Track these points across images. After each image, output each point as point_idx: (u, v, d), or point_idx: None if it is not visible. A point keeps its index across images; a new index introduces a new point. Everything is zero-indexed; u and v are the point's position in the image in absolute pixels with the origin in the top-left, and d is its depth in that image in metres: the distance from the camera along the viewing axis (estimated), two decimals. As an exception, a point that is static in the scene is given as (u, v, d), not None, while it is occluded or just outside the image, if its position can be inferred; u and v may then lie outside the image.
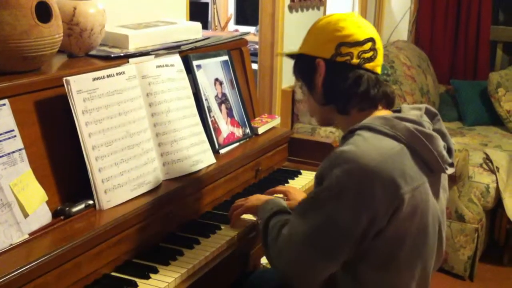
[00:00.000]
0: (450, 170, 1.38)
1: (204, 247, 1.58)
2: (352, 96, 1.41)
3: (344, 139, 1.38)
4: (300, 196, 1.81)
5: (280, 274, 1.45)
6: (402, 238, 1.31)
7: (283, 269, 1.39)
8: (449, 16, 4.49)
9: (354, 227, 1.27)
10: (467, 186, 3.04)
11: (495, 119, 4.06)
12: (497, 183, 3.12)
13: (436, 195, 1.39)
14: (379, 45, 1.43)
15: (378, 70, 1.44)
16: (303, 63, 1.49)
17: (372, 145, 1.29)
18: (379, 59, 1.43)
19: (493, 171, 3.17)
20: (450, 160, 1.39)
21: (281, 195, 1.82)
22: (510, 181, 3.21)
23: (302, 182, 2.08)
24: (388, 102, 1.45)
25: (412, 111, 1.43)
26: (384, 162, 1.26)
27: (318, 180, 1.35)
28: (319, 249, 1.31)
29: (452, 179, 2.89)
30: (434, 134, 1.36)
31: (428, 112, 1.45)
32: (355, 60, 1.40)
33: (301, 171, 2.17)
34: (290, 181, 2.08)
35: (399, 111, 1.45)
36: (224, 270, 1.59)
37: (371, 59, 1.41)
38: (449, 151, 1.41)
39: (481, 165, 3.22)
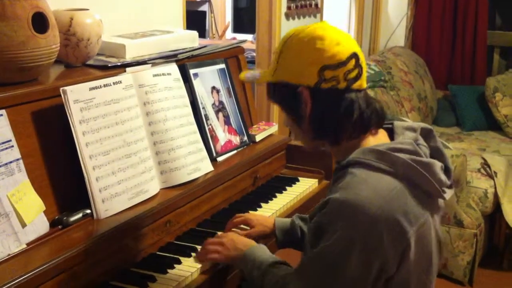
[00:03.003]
0: (449, 193, 1.33)
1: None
2: (346, 126, 1.30)
3: (336, 175, 1.31)
4: (263, 219, 1.72)
5: None
6: (410, 278, 1.27)
7: None
8: (446, 21, 4.51)
9: (365, 278, 1.22)
10: (465, 192, 3.04)
11: (492, 124, 4.07)
12: (495, 188, 3.13)
13: (434, 215, 1.34)
14: (362, 58, 1.30)
15: (364, 85, 1.32)
16: (283, 92, 1.34)
17: (371, 188, 1.22)
18: (364, 74, 1.31)
19: (491, 176, 3.17)
20: (448, 182, 1.33)
21: (243, 225, 1.72)
22: (508, 186, 3.21)
23: (300, 189, 2.08)
24: (379, 121, 1.35)
25: (406, 132, 1.35)
26: (387, 206, 1.21)
27: (317, 232, 1.27)
28: None
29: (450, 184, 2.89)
30: (431, 161, 1.29)
31: (423, 131, 1.38)
32: (342, 84, 1.27)
33: (299, 178, 2.17)
34: (287, 188, 2.08)
35: (391, 129, 1.38)
36: (222, 278, 1.59)
37: (356, 78, 1.28)
38: (447, 170, 1.35)
39: (479, 170, 3.23)
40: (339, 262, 1.22)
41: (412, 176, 1.26)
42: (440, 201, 1.36)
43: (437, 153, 1.37)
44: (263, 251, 1.47)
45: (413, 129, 1.37)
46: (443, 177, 1.31)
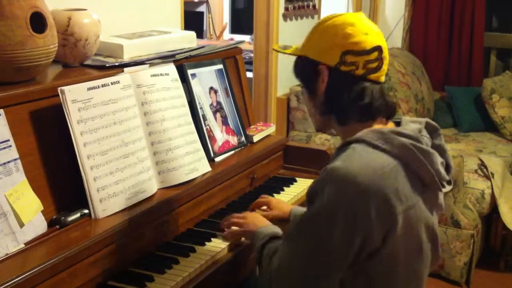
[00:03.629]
0: (447, 188, 1.35)
1: (200, 256, 1.59)
2: (354, 109, 1.35)
3: (338, 151, 1.34)
4: (282, 204, 1.83)
5: None
6: (396, 257, 1.29)
7: None
8: (443, 23, 4.52)
9: (347, 248, 1.24)
10: (462, 192, 3.05)
11: (489, 125, 4.08)
12: (492, 189, 3.13)
13: (431, 211, 1.36)
14: (386, 54, 1.37)
15: (382, 79, 1.38)
16: (305, 66, 1.42)
17: (365, 161, 1.25)
18: (384, 68, 1.37)
19: (488, 177, 3.18)
20: (447, 178, 1.35)
21: (264, 207, 1.84)
22: (505, 187, 3.22)
23: (297, 190, 2.08)
24: (389, 113, 1.40)
25: (411, 124, 1.38)
26: (378, 180, 1.23)
27: (310, 199, 1.32)
28: (311, 275, 1.27)
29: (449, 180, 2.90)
30: (431, 150, 1.32)
31: (428, 127, 1.41)
32: (360, 71, 1.33)
33: (296, 178, 2.18)
34: (285, 188, 2.09)
35: (399, 123, 1.42)
36: (220, 277, 1.59)
37: (376, 69, 1.34)
38: (447, 167, 1.38)
39: (476, 171, 3.23)
40: (323, 227, 1.25)
41: (408, 159, 1.29)
42: (440, 197, 1.38)
43: (439, 150, 1.39)
44: (271, 228, 1.54)
45: (418, 122, 1.41)
46: (442, 170, 1.33)
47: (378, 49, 1.34)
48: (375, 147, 1.28)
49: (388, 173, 1.25)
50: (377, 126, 1.37)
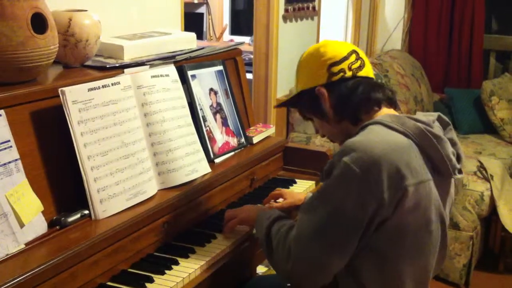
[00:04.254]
0: (459, 176, 1.42)
1: (200, 257, 1.59)
2: (358, 103, 1.47)
3: (356, 134, 1.43)
4: (295, 193, 1.89)
5: (286, 278, 1.46)
6: (404, 231, 1.34)
7: (292, 270, 1.39)
8: (442, 25, 4.52)
9: (361, 215, 1.30)
10: (461, 194, 3.05)
11: (489, 127, 4.08)
12: (491, 191, 3.14)
13: (443, 197, 1.42)
14: (363, 55, 1.53)
15: (371, 74, 1.53)
16: (305, 99, 1.56)
17: (380, 136, 1.35)
18: (368, 66, 1.53)
19: (487, 179, 3.18)
20: (458, 166, 1.43)
21: (280, 200, 1.88)
22: (504, 189, 3.22)
23: (297, 191, 2.08)
24: (391, 102, 1.51)
25: (424, 117, 1.47)
26: (391, 152, 1.31)
27: (328, 172, 1.38)
28: (329, 242, 1.34)
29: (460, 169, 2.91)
30: (444, 137, 1.40)
31: (440, 121, 1.49)
32: (348, 73, 1.49)
33: (296, 180, 2.18)
34: (290, 187, 2.09)
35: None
36: (220, 279, 1.59)
37: (361, 68, 1.50)
38: (458, 158, 1.45)
39: (475, 173, 3.24)
40: (339, 193, 1.33)
41: (422, 141, 1.37)
42: (452, 185, 1.46)
43: (451, 144, 1.45)
44: (273, 211, 1.59)
45: (431, 115, 1.49)
46: (453, 157, 1.41)
47: (354, 52, 1.52)
48: (391, 128, 1.38)
49: (401, 149, 1.34)
50: (389, 112, 1.47)
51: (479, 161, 3.31)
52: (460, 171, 1.44)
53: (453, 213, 3.00)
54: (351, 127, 1.51)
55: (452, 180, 1.47)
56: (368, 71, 1.52)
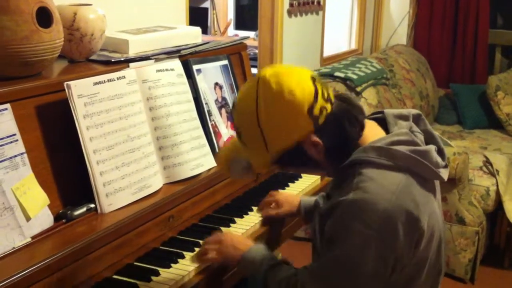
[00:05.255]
0: (444, 173, 1.35)
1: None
2: (351, 135, 1.32)
3: (341, 176, 1.34)
4: (290, 198, 1.81)
5: None
6: (423, 263, 1.31)
7: None
8: (448, 20, 4.51)
9: (384, 273, 1.25)
10: (467, 189, 3.05)
11: (494, 123, 4.07)
12: (497, 186, 3.13)
13: (436, 198, 1.39)
14: (315, 75, 1.32)
15: (331, 93, 1.33)
16: (290, 156, 1.33)
17: (379, 185, 1.25)
18: (325, 84, 1.32)
19: (493, 174, 3.17)
20: (443, 163, 1.36)
21: (273, 205, 1.82)
22: (510, 184, 3.21)
23: (302, 186, 2.08)
24: (363, 112, 1.38)
25: (399, 122, 1.38)
26: (397, 199, 1.23)
27: (332, 238, 1.28)
28: None
29: (452, 182, 2.90)
30: (428, 148, 1.33)
31: (413, 117, 1.42)
32: (328, 107, 1.29)
33: (302, 174, 2.17)
34: (290, 184, 2.08)
35: (384, 119, 1.40)
36: (227, 270, 1.59)
37: (327, 91, 1.31)
38: (440, 152, 1.39)
39: (481, 168, 3.23)
40: (357, 262, 1.24)
41: (412, 166, 1.30)
42: (436, 183, 1.41)
43: (428, 136, 1.40)
44: (260, 251, 1.46)
45: (405, 117, 1.40)
46: (439, 159, 1.35)
47: (314, 79, 1.30)
48: (380, 166, 1.27)
49: (403, 190, 1.26)
50: (366, 137, 1.34)
51: (485, 156, 3.30)
52: (445, 166, 1.36)
53: (458, 208, 2.99)
54: (343, 160, 1.34)
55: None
56: (329, 93, 1.32)
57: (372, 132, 1.36)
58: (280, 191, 1.96)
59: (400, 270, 1.28)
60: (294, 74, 1.29)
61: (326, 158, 1.33)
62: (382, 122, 1.41)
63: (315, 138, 1.30)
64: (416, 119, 1.43)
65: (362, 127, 1.35)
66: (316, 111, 1.27)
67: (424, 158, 1.30)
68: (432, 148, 1.34)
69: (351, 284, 1.26)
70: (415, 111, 1.43)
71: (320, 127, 1.29)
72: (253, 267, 1.44)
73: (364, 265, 1.23)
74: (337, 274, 1.27)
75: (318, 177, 2.17)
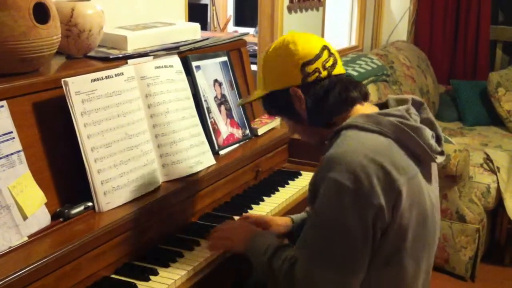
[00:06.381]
0: (440, 159, 1.38)
1: (204, 249, 1.57)
2: (334, 104, 1.40)
3: (331, 141, 1.38)
4: (279, 220, 1.72)
5: None
6: (405, 230, 1.31)
7: None
8: (448, 16, 4.48)
9: (364, 226, 1.25)
10: (467, 187, 3.03)
11: (495, 119, 4.05)
12: (498, 183, 3.11)
13: (429, 183, 1.40)
14: (333, 50, 1.44)
15: (343, 70, 1.45)
16: (276, 100, 1.47)
17: (359, 142, 1.30)
18: (340, 61, 1.44)
19: (493, 171, 3.16)
20: (439, 149, 1.39)
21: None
22: (510, 181, 3.20)
23: (302, 183, 2.07)
24: (365, 97, 1.45)
25: (398, 105, 1.43)
26: (375, 156, 1.26)
27: (313, 190, 1.33)
28: (341, 264, 1.27)
29: (453, 179, 2.89)
30: (421, 126, 1.36)
31: (413, 102, 1.44)
32: (323, 73, 1.40)
33: (301, 172, 2.16)
34: (290, 182, 2.07)
35: (385, 104, 1.46)
36: (224, 271, 1.58)
37: (334, 65, 1.42)
38: (438, 139, 1.41)
39: (481, 165, 3.21)
40: (335, 214, 1.27)
41: (399, 136, 1.32)
42: (434, 169, 1.43)
43: (428, 123, 1.42)
44: (266, 237, 1.49)
45: (405, 100, 1.44)
46: (433, 142, 1.37)
47: (326, 48, 1.42)
48: (365, 129, 1.33)
49: (383, 149, 1.29)
50: (362, 111, 1.41)
51: (486, 153, 3.29)
52: (441, 153, 1.39)
53: (459, 205, 2.98)
54: (324, 129, 1.44)
55: (434, 163, 1.42)
56: (340, 68, 1.44)
57: (368, 110, 1.42)
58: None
59: (384, 233, 1.27)
60: (309, 37, 1.44)
61: (308, 117, 1.44)
62: (385, 106, 1.46)
63: (300, 93, 1.41)
64: (418, 107, 1.45)
65: (350, 103, 1.41)
66: (309, 69, 1.39)
67: (414, 132, 1.33)
68: (425, 128, 1.36)
69: (334, 241, 1.27)
70: (418, 99, 1.46)
71: (306, 84, 1.40)
72: (258, 252, 1.44)
73: (344, 219, 1.25)
74: (319, 232, 1.29)
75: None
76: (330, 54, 1.42)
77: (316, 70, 1.40)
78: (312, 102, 1.41)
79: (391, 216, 1.27)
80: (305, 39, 1.43)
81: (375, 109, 1.43)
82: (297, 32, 1.47)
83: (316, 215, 1.31)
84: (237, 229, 1.57)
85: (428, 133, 1.37)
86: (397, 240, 1.30)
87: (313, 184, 1.34)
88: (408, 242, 1.32)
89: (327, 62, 1.41)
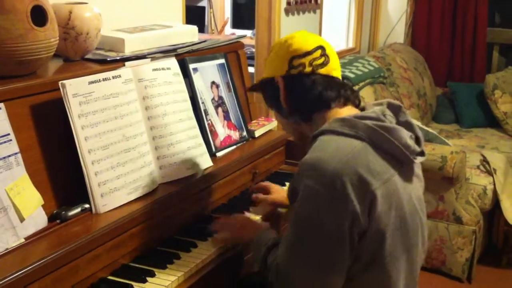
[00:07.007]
0: (420, 159, 1.39)
1: (202, 250, 1.58)
2: (310, 101, 1.44)
3: (310, 146, 1.39)
4: (281, 191, 1.89)
5: None
6: (383, 234, 1.31)
7: None
8: (446, 18, 4.50)
9: (340, 230, 1.27)
10: (464, 188, 3.04)
11: (492, 121, 4.07)
12: (494, 185, 3.12)
13: (410, 183, 1.40)
14: (330, 51, 1.47)
15: (335, 73, 1.47)
16: (267, 88, 1.54)
17: (333, 147, 1.32)
18: (334, 63, 1.47)
19: (490, 172, 3.17)
20: (418, 149, 1.39)
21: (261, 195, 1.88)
22: (507, 183, 3.21)
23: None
24: (347, 100, 1.46)
25: (374, 108, 1.45)
26: (348, 161, 1.28)
27: (292, 195, 1.36)
28: (320, 263, 1.31)
29: (450, 181, 2.89)
30: (396, 126, 1.37)
31: (391, 106, 1.46)
32: (307, 69, 1.44)
33: (298, 174, 2.16)
34: (287, 184, 2.08)
35: (363, 109, 1.48)
36: (221, 273, 1.58)
37: (324, 64, 1.45)
38: (417, 140, 1.42)
39: (478, 167, 3.22)
40: (310, 217, 1.30)
41: (375, 139, 1.34)
42: (416, 170, 1.44)
43: (407, 126, 1.43)
44: (268, 236, 1.53)
45: (380, 104, 1.47)
46: (411, 142, 1.37)
47: (320, 48, 1.46)
48: (340, 134, 1.35)
49: (357, 154, 1.30)
50: (339, 114, 1.42)
51: (482, 155, 3.30)
52: (421, 153, 1.40)
53: (455, 207, 2.98)
54: (304, 125, 1.49)
55: (416, 164, 1.43)
56: (331, 69, 1.46)
57: (346, 113, 1.44)
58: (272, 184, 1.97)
59: (361, 238, 1.29)
60: (310, 36, 1.50)
61: (288, 109, 1.49)
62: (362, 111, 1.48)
63: (282, 83, 1.47)
64: (397, 110, 1.46)
65: (326, 103, 1.44)
66: (295, 62, 1.45)
67: (389, 133, 1.34)
68: (401, 129, 1.37)
69: (311, 241, 1.31)
70: (395, 102, 1.48)
71: (289, 76, 1.46)
72: (257, 248, 1.50)
73: (318, 221, 1.28)
74: (296, 233, 1.34)
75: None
76: (324, 54, 1.45)
77: (301, 64, 1.44)
78: (290, 94, 1.47)
79: (367, 221, 1.28)
80: (305, 36, 1.48)
81: (355, 112, 1.45)
82: (308, 32, 1.52)
83: (294, 218, 1.35)
84: (239, 224, 1.65)
85: (405, 133, 1.37)
86: (375, 244, 1.31)
87: (291, 191, 1.38)
88: (387, 245, 1.32)
89: (316, 60, 1.44)
